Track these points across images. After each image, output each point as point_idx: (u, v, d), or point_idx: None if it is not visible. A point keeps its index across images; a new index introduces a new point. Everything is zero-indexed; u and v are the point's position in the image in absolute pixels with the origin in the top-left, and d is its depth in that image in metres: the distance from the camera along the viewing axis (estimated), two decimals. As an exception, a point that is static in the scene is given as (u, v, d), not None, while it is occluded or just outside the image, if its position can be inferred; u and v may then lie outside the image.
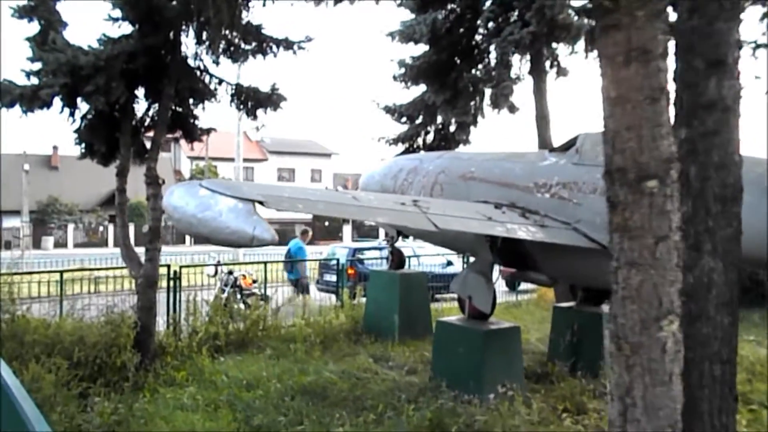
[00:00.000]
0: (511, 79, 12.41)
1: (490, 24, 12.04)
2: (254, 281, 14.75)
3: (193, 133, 9.92)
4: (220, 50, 9.28)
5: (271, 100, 9.04)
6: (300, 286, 13.58)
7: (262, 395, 7.05)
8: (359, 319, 11.11)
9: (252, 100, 9.36)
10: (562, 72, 14.21)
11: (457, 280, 8.23)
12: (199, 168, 49.08)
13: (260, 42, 8.91)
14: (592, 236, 7.04)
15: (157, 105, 9.41)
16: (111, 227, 43.75)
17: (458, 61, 12.83)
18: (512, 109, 14.46)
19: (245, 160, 43.52)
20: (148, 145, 9.34)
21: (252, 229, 4.98)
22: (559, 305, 9.66)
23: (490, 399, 7.11)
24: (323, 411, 6.59)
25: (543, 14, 10.99)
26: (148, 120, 9.55)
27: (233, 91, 9.51)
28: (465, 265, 15.40)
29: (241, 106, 9.53)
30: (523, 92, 13.93)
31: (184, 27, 8.83)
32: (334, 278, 16.46)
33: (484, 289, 7.70)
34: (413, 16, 13.80)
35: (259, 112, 9.50)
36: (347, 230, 52.33)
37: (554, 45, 13.03)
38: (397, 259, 10.92)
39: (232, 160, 48.02)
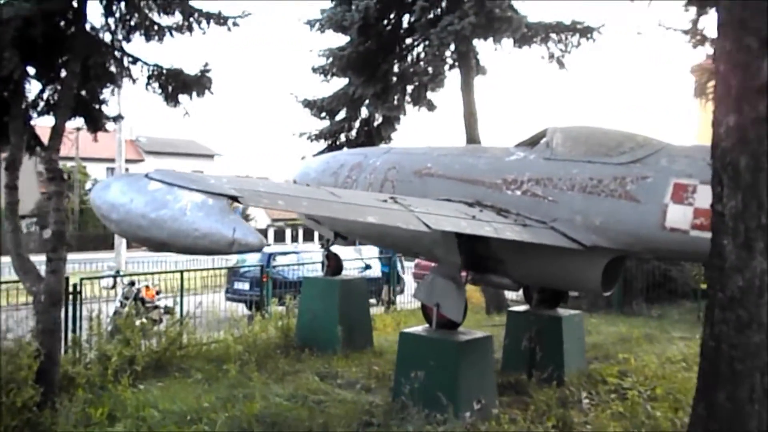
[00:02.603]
0: (442, 73, 11.88)
1: (425, 13, 11.41)
2: (158, 292, 13.20)
3: (98, 121, 8.43)
4: (134, 24, 7.93)
5: (200, 83, 7.79)
6: None
7: (208, 432, 5.89)
8: (289, 331, 10.05)
9: (174, 84, 8.05)
10: (481, 70, 13.95)
11: (422, 286, 7.46)
12: (67, 168, 44.76)
13: (186, 15, 7.64)
14: (571, 235, 6.53)
15: (54, 85, 7.90)
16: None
17: (389, 52, 12.09)
18: (431, 106, 14.00)
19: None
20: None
21: (231, 231, 3.92)
22: (514, 309, 9.17)
23: (467, 417, 6.43)
24: (288, 447, 5.56)
25: (483, 5, 10.53)
26: (42, 103, 7.98)
27: (150, 72, 8.15)
28: (389, 268, 14.74)
29: (160, 90, 8.19)
30: (443, 90, 13.39)
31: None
32: (245, 286, 15.19)
33: (455, 296, 6.99)
34: (332, 4, 12.97)
35: (183, 97, 8.19)
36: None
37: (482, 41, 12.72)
38: (334, 264, 9.96)
39: (104, 160, 44.33)
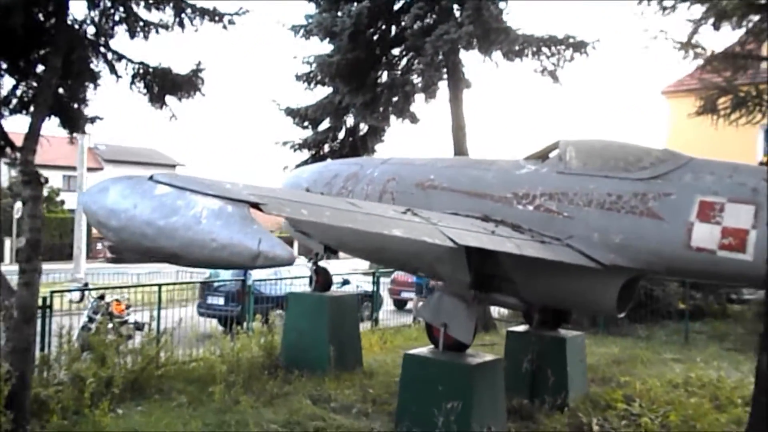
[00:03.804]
0: (436, 84, 11.57)
1: (418, 22, 11.10)
2: (128, 307, 12.44)
3: (76, 122, 7.82)
4: (118, 18, 7.40)
5: (191, 83, 7.26)
6: None
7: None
8: (273, 350, 9.47)
9: (161, 84, 7.50)
10: (466, 83, 13.71)
11: (427, 305, 7.05)
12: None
13: (178, 10, 7.13)
14: (588, 253, 6.21)
15: (28, 81, 7.28)
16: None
17: (379, 61, 11.73)
18: (414, 119, 13.69)
19: (75, 168, 38.75)
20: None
21: (255, 243, 3.44)
22: (514, 330, 8.81)
23: (480, 447, 6.01)
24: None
25: (479, 15, 10.27)
26: (15, 101, 7.36)
27: (135, 71, 7.60)
28: (374, 284, 14.24)
29: (146, 90, 7.64)
30: (426, 102, 13.05)
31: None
32: (219, 301, 14.47)
33: (464, 316, 6.59)
34: (316, 10, 12.58)
35: (170, 99, 7.65)
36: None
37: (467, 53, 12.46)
38: (323, 279, 9.45)
39: (59, 168, 42.66)
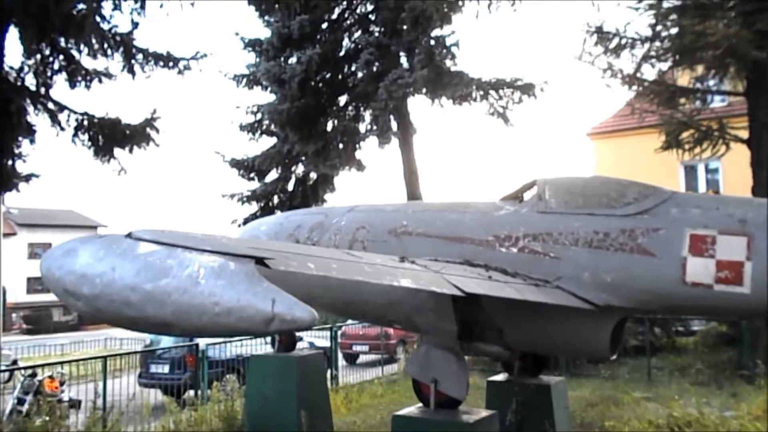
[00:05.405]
0: (390, 129, 11.36)
1: (369, 67, 10.93)
2: (62, 383, 11.28)
3: (9, 180, 7.04)
4: (58, 66, 6.79)
5: (143, 134, 6.68)
6: None
7: None
8: (234, 420, 8.67)
9: (110, 136, 6.89)
10: (413, 129, 13.64)
11: (415, 360, 6.55)
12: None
13: (128, 56, 6.60)
14: (580, 294, 5.95)
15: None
16: None
17: (329, 108, 11.44)
18: (360, 166, 13.47)
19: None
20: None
21: (269, 304, 2.95)
22: (495, 379, 8.39)
23: None
24: None
25: (431, 59, 10.20)
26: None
27: (79, 122, 6.96)
28: (332, 339, 13.54)
29: (90, 143, 6.99)
30: (372, 149, 12.90)
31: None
32: (163, 369, 13.40)
33: (455, 369, 6.15)
34: (257, 59, 12.25)
35: (119, 152, 7.03)
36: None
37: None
38: (287, 339, 8.79)
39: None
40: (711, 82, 8.00)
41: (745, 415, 8.73)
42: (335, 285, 5.38)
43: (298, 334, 14.88)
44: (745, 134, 7.67)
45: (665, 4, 7.60)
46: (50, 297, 48.10)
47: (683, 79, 8.76)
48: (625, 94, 8.78)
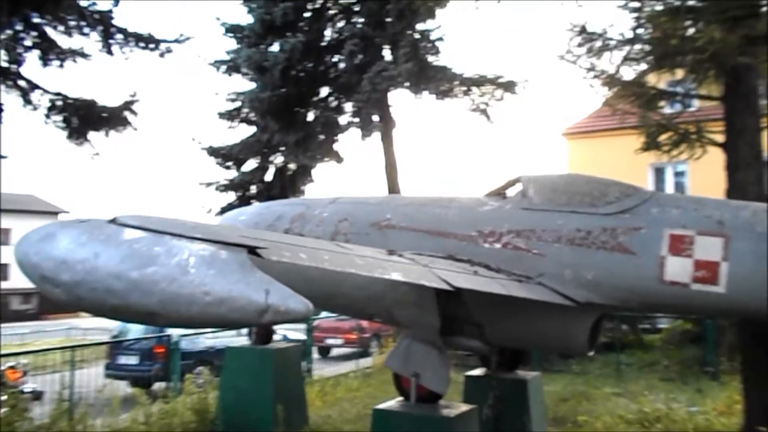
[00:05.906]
0: (373, 121, 11.29)
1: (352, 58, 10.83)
2: (25, 373, 11.01)
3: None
4: (31, 43, 6.57)
5: (119, 117, 6.50)
6: None
7: None
8: (207, 413, 8.54)
9: (84, 118, 6.69)
10: (393, 123, 13.60)
11: (395, 354, 6.50)
12: None
13: (107, 35, 6.41)
14: (562, 291, 5.99)
15: None
16: None
17: (310, 98, 11.32)
18: (338, 158, 13.38)
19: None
20: None
21: (262, 295, 2.87)
22: (472, 374, 8.40)
23: None
24: None
25: (416, 53, 10.15)
26: None
27: (51, 103, 6.74)
28: (308, 332, 13.45)
29: (64, 124, 6.78)
30: (352, 142, 12.83)
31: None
32: (131, 361, 13.14)
33: (437, 363, 6.13)
34: (237, 45, 12.05)
35: (93, 135, 6.83)
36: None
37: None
38: (264, 331, 8.68)
39: None
40: (682, 87, 8.12)
41: (711, 411, 8.92)
42: (315, 277, 5.32)
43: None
44: (719, 138, 7.78)
45: (646, 8, 7.64)
46: (8, 284, 46.87)
47: (660, 83, 8.85)
48: (604, 95, 8.76)
